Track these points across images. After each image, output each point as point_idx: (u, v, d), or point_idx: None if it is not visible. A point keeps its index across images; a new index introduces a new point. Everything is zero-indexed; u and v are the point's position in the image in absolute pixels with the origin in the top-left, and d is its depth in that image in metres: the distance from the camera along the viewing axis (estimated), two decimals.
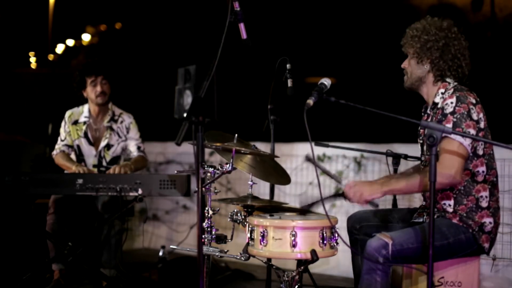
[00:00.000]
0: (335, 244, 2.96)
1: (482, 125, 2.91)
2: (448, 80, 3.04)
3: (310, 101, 2.72)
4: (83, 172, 4.38)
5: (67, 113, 4.85)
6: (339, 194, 3.02)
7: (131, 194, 4.14)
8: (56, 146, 4.77)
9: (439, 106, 2.98)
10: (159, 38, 16.80)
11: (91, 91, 4.71)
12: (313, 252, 2.83)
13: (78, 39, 21.57)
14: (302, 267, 3.01)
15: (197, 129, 2.47)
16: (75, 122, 4.81)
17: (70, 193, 4.15)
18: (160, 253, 5.27)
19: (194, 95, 5.08)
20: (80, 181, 4.13)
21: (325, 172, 3.03)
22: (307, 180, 5.55)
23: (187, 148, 4.85)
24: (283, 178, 3.51)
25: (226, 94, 5.29)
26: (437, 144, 2.49)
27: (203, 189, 3.05)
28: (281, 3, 14.56)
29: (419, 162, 3.38)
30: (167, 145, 6.75)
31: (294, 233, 2.84)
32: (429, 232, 2.50)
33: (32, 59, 21.66)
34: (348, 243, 3.18)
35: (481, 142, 2.90)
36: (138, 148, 4.80)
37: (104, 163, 4.74)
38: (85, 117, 4.80)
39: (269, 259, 3.24)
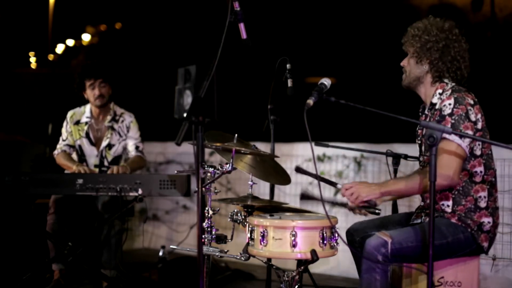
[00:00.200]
0: (335, 244, 2.96)
1: (479, 125, 2.91)
2: (446, 80, 3.04)
3: (310, 101, 2.72)
4: (84, 172, 4.39)
5: (69, 113, 4.86)
6: (342, 204, 3.03)
7: (131, 194, 4.14)
8: (58, 146, 4.78)
9: (437, 107, 2.97)
10: (159, 38, 16.80)
11: (90, 94, 4.72)
12: (313, 252, 2.83)
13: (78, 39, 21.58)
14: (302, 267, 3.01)
15: (197, 129, 2.47)
16: (77, 122, 4.81)
17: (70, 193, 4.16)
18: (160, 253, 5.27)
19: (194, 95, 5.08)
20: (80, 181, 4.13)
21: (318, 178, 3.01)
22: (307, 180, 5.55)
23: (187, 148, 4.86)
24: (283, 178, 3.52)
25: (226, 94, 5.29)
26: (437, 144, 2.49)
27: (203, 189, 3.05)
28: (281, 3, 14.56)
29: (418, 162, 3.38)
30: (167, 145, 6.75)
31: (294, 233, 2.84)
32: (429, 232, 2.50)
33: (32, 59, 21.67)
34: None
35: (478, 142, 2.90)
36: (137, 147, 4.79)
37: (105, 163, 4.74)
38: (87, 117, 4.81)
39: (269, 259, 3.24)
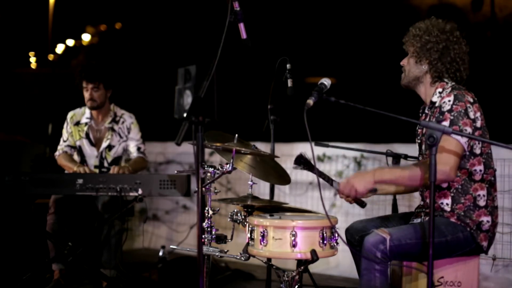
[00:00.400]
0: (335, 244, 2.96)
1: (478, 124, 2.91)
2: (446, 80, 3.05)
3: (310, 101, 2.72)
4: (84, 172, 4.38)
5: (69, 114, 4.86)
6: (329, 180, 3.04)
7: (131, 194, 4.14)
8: (59, 147, 4.78)
9: (436, 105, 2.98)
10: (159, 38, 16.81)
11: (84, 95, 4.73)
12: (313, 252, 2.83)
13: (78, 39, 21.57)
14: (302, 267, 3.01)
15: (197, 129, 2.47)
16: (77, 123, 4.81)
17: (70, 193, 4.16)
18: (160, 253, 5.27)
19: (194, 95, 5.08)
20: (80, 181, 4.13)
21: (317, 173, 3.02)
22: (307, 180, 5.55)
23: (187, 148, 4.86)
24: (283, 178, 3.52)
25: (226, 94, 5.29)
26: (437, 144, 2.49)
27: (203, 189, 3.05)
28: (281, 3, 14.56)
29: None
30: (167, 145, 6.75)
31: (294, 233, 2.84)
32: (429, 231, 2.50)
33: (32, 59, 21.66)
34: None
35: (478, 141, 2.90)
36: (138, 149, 4.80)
37: (105, 164, 4.74)
38: (87, 118, 4.81)
39: (269, 259, 3.24)
